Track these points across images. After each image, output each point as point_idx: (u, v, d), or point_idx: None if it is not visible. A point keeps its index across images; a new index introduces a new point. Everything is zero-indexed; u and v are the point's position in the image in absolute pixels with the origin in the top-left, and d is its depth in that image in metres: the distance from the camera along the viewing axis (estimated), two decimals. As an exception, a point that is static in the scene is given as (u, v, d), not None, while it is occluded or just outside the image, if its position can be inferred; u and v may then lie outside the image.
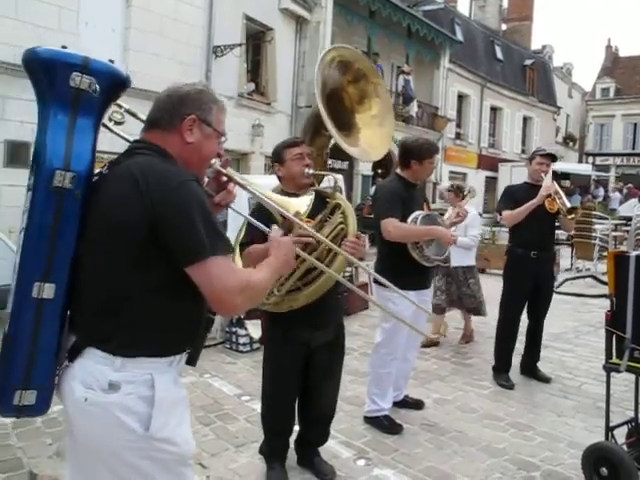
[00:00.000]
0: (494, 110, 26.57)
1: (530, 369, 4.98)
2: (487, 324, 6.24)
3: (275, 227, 1.91)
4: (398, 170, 3.85)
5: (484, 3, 31.91)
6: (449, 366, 5.35)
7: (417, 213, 3.61)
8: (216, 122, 1.74)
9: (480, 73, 24.63)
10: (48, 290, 1.52)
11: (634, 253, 3.20)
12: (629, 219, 13.64)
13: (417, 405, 4.21)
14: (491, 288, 6.53)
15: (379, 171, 17.72)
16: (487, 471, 3.33)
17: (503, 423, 4.03)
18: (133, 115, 1.88)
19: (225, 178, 1.84)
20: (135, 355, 1.55)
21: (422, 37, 19.54)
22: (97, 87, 1.59)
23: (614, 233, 13.41)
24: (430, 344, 5.79)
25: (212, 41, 12.57)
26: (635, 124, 35.64)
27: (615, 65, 39.40)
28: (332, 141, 2.92)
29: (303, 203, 2.07)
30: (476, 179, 24.91)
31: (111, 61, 1.69)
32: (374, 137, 2.63)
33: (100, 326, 1.56)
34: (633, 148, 35.46)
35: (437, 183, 17.89)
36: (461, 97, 24.01)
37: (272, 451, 3.16)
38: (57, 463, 3.25)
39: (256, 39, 14.73)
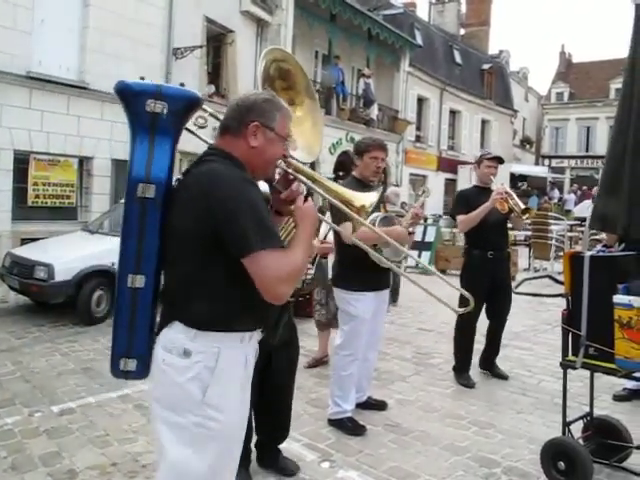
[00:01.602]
0: (453, 113, 27.00)
1: (489, 365, 5.09)
2: (449, 324, 6.31)
3: (301, 196, 1.96)
4: (354, 172, 3.88)
5: (443, 8, 32.45)
6: (411, 367, 5.41)
7: (375, 215, 3.63)
8: (279, 128, 1.93)
9: (439, 77, 25.00)
10: (139, 280, 1.85)
11: (588, 253, 3.30)
12: (584, 220, 14.06)
13: (380, 406, 4.24)
14: (451, 289, 6.62)
15: (340, 173, 17.78)
16: (450, 469, 3.38)
17: (465, 421, 4.09)
18: (216, 118, 2.10)
19: (291, 177, 2.02)
20: (206, 329, 1.80)
21: (382, 41, 19.72)
22: (167, 109, 1.86)
23: (569, 234, 13.80)
24: (316, 364, 5.28)
25: (172, 42, 12.42)
26: (588, 127, 36.78)
27: (569, 70, 40.62)
28: None
29: (369, 198, 2.17)
30: (436, 181, 25.25)
31: (182, 84, 2.00)
32: (309, 137, 2.63)
33: (181, 304, 1.84)
34: (587, 151, 36.57)
35: (398, 185, 18.06)
36: (421, 100, 24.33)
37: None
38: (12, 476, 3.15)
39: (217, 41, 14.63)
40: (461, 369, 4.94)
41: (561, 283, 3.43)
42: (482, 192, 4.78)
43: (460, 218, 4.80)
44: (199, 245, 1.80)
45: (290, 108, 2.64)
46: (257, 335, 1.96)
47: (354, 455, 3.52)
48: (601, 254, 3.30)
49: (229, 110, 1.95)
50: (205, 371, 1.79)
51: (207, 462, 1.81)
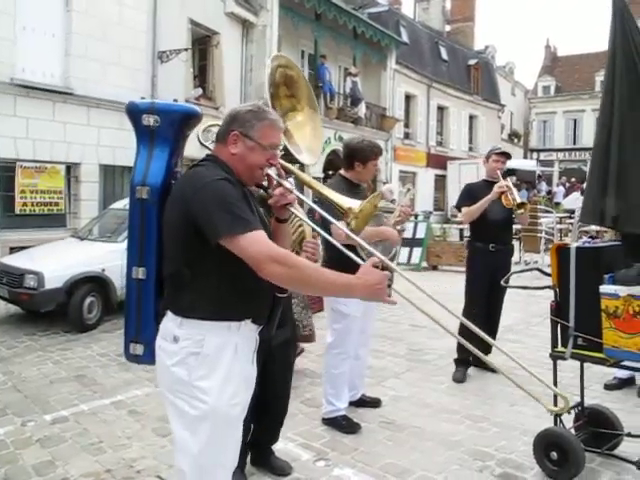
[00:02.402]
0: (441, 109, 27.09)
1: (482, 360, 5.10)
2: (441, 320, 6.33)
3: (372, 258, 1.88)
4: (342, 171, 3.89)
5: (427, 5, 32.54)
6: (404, 363, 5.43)
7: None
8: (259, 136, 2.03)
9: (426, 73, 25.08)
10: (142, 272, 2.06)
11: (574, 245, 3.33)
12: (572, 212, 14.16)
13: (374, 403, 4.25)
14: (443, 284, 6.66)
15: (330, 172, 17.81)
16: (445, 464, 3.39)
17: (459, 416, 4.11)
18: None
19: (275, 183, 2.12)
20: (190, 317, 1.94)
21: (368, 39, 19.76)
22: (160, 122, 2.10)
23: (559, 226, 13.88)
24: None
25: (157, 46, 12.39)
26: (575, 120, 37.00)
27: (554, 64, 40.83)
28: None
29: (356, 202, 2.23)
30: (425, 177, 25.36)
31: (175, 100, 2.24)
32: (310, 140, 2.68)
33: (171, 294, 2.01)
34: (574, 143, 36.79)
35: (387, 182, 18.10)
36: (408, 97, 24.40)
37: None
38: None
39: (202, 44, 14.60)
40: (461, 362, 4.96)
41: (549, 275, 3.45)
42: (488, 186, 4.87)
43: (464, 210, 4.93)
44: (182, 238, 1.94)
45: (291, 113, 2.68)
46: (250, 326, 2.05)
47: (349, 453, 3.53)
48: (587, 245, 3.32)
49: (222, 121, 2.13)
50: (191, 356, 1.93)
51: (200, 442, 1.94)
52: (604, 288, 3.04)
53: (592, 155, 3.40)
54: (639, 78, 3.10)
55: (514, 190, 4.77)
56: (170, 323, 1.99)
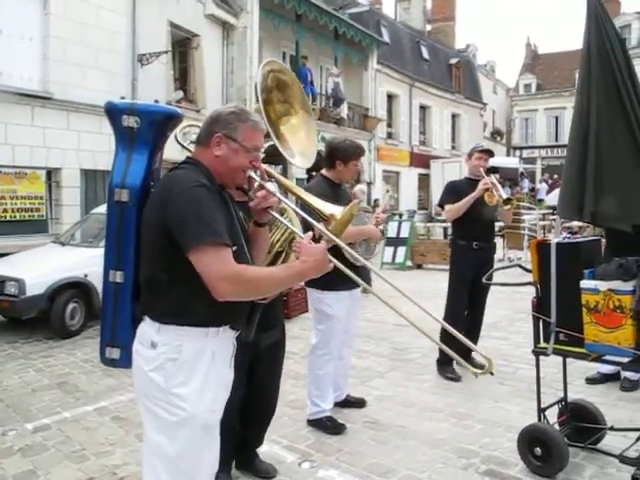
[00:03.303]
0: (423, 108, 27.20)
1: (467, 357, 5.11)
2: (424, 318, 6.35)
3: (308, 234, 2.02)
4: (323, 171, 3.88)
5: (408, 5, 32.62)
6: (388, 363, 5.43)
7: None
8: (243, 139, 2.02)
9: (408, 73, 25.15)
10: (119, 276, 2.02)
11: (554, 241, 3.34)
12: (555, 208, 14.26)
13: (359, 403, 4.25)
14: (427, 282, 6.67)
15: (313, 173, 17.78)
16: (429, 462, 3.39)
17: (443, 414, 4.12)
18: None
19: (257, 185, 2.12)
20: (168, 323, 1.92)
21: (349, 39, 19.78)
22: (140, 123, 2.06)
23: (542, 222, 13.99)
24: None
25: (137, 49, 12.29)
26: (557, 117, 37.34)
27: (535, 62, 41.20)
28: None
29: (338, 209, 2.20)
30: (409, 177, 25.45)
31: (156, 101, 2.21)
32: (304, 144, 2.67)
33: (147, 299, 1.98)
34: (556, 140, 37.11)
35: (371, 182, 18.13)
36: (390, 97, 24.46)
37: (219, 460, 3.12)
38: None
39: (182, 46, 14.51)
40: (446, 362, 4.96)
41: (530, 271, 3.46)
42: (471, 184, 4.86)
43: (447, 207, 4.91)
44: (158, 243, 1.92)
45: (285, 118, 2.68)
46: (228, 331, 2.03)
47: (334, 454, 3.51)
48: (567, 241, 3.33)
49: (203, 123, 2.11)
50: (169, 362, 1.92)
51: (177, 448, 1.93)
52: (584, 283, 3.05)
53: (568, 151, 3.42)
54: (614, 75, 3.13)
55: (499, 186, 4.77)
56: (148, 328, 1.96)
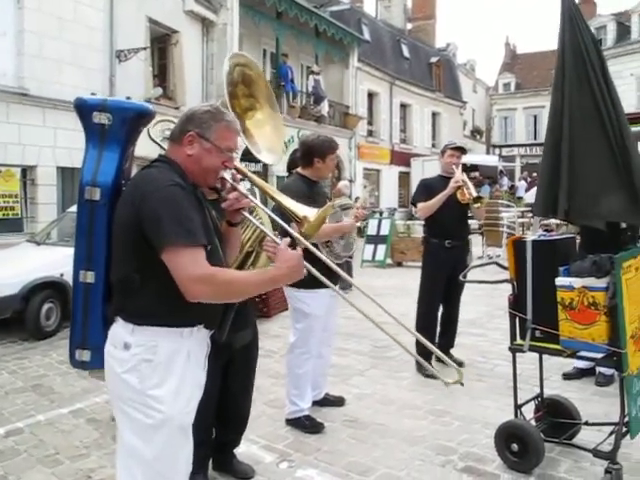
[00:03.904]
0: (404, 107, 27.30)
1: (444, 355, 5.13)
2: (406, 316, 6.37)
3: (285, 239, 1.99)
4: (299, 169, 3.86)
5: (389, 3, 32.69)
6: (368, 361, 5.43)
7: (324, 210, 3.62)
8: (216, 138, 1.99)
9: (388, 71, 25.23)
10: (90, 276, 1.99)
11: (530, 238, 3.36)
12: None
13: (338, 402, 4.24)
14: (407, 280, 6.69)
15: (294, 171, 17.77)
16: (407, 460, 3.40)
17: (422, 411, 4.13)
18: None
19: (229, 186, 2.11)
20: (142, 324, 1.89)
21: (330, 37, 19.77)
22: (112, 120, 2.02)
23: (520, 220, 14.12)
24: None
25: (115, 45, 12.15)
26: (535, 116, 37.71)
27: (514, 61, 41.59)
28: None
29: (312, 211, 2.19)
30: (389, 175, 25.53)
31: (128, 98, 2.15)
32: (271, 139, 2.65)
33: (120, 300, 1.94)
34: (535, 138, 37.48)
35: (352, 180, 18.15)
36: (371, 95, 24.51)
37: (196, 462, 3.08)
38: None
39: (161, 42, 14.38)
40: (424, 359, 4.96)
41: (507, 269, 3.48)
42: (444, 181, 4.88)
43: (419, 205, 4.91)
44: (131, 242, 1.89)
45: (250, 112, 2.65)
46: (202, 331, 2.02)
47: (312, 453, 3.50)
48: (542, 238, 3.35)
49: (177, 121, 2.09)
50: (143, 363, 1.89)
51: (154, 451, 1.91)
52: (559, 280, 3.08)
53: (544, 150, 3.45)
54: (587, 74, 3.16)
55: (470, 184, 4.79)
56: (121, 329, 1.93)
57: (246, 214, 2.19)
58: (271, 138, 2.62)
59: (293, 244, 2.00)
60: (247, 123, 2.50)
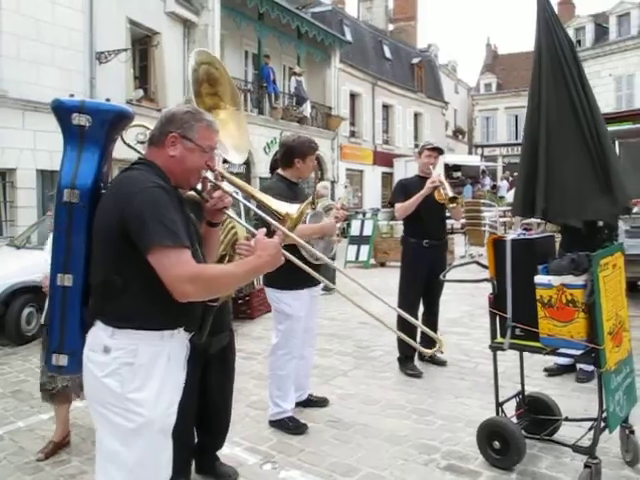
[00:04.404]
0: (386, 107, 27.40)
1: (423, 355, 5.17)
2: (388, 315, 6.38)
3: (262, 230, 2.03)
4: (280, 170, 3.86)
5: (371, 4, 32.83)
6: (352, 361, 5.44)
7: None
8: (198, 138, 2.01)
9: (370, 72, 25.31)
10: (68, 279, 1.96)
11: (509, 237, 3.39)
12: (515, 205, 14.51)
13: (321, 403, 4.24)
14: (390, 280, 6.69)
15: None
16: (391, 459, 3.41)
17: (405, 411, 4.15)
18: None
19: (212, 185, 2.12)
20: (122, 327, 1.88)
21: (312, 38, 19.78)
22: (91, 122, 2.01)
23: (502, 219, 14.24)
24: (54, 450, 3.61)
25: (95, 46, 12.04)
26: (516, 116, 38.04)
27: (495, 62, 41.94)
28: None
29: (293, 207, 2.20)
30: (373, 175, 25.61)
31: (107, 100, 2.14)
32: (236, 138, 2.64)
33: (100, 303, 1.93)
34: (516, 138, 37.80)
35: (335, 181, 18.17)
36: (353, 96, 24.57)
37: (177, 466, 3.07)
38: None
39: (142, 44, 14.28)
40: (406, 359, 5.00)
41: (487, 268, 3.51)
42: (422, 181, 4.90)
43: (397, 206, 4.94)
44: (112, 244, 1.88)
45: (213, 112, 2.64)
46: (182, 333, 2.02)
47: (296, 454, 3.50)
48: (521, 237, 3.38)
49: (156, 123, 2.08)
50: (124, 367, 1.88)
51: (135, 456, 1.89)
52: (538, 278, 3.10)
53: (522, 150, 3.49)
54: (563, 74, 3.21)
55: (447, 184, 4.83)
56: (100, 333, 1.91)
57: (229, 213, 2.19)
58: (236, 136, 2.61)
59: (269, 234, 2.02)
60: None
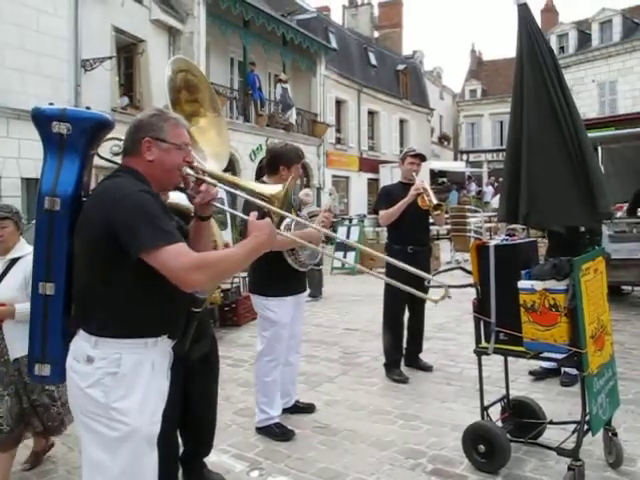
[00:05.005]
0: (371, 114, 27.53)
1: (414, 360, 5.20)
2: (374, 321, 6.43)
3: (253, 213, 2.04)
4: (265, 178, 3.88)
5: (356, 12, 33.03)
6: (338, 367, 5.45)
7: (288, 220, 3.63)
8: (171, 137, 2.02)
9: (356, 79, 25.44)
10: (49, 288, 1.96)
11: (492, 243, 3.44)
12: (500, 211, 14.64)
13: (308, 409, 4.24)
14: (375, 286, 6.73)
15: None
16: (377, 465, 3.42)
17: (391, 416, 4.17)
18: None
19: (196, 180, 2.12)
20: (105, 335, 1.88)
21: (297, 45, 19.87)
22: (72, 130, 2.01)
23: (487, 225, 14.35)
24: None
25: (80, 54, 12.01)
26: (501, 122, 38.34)
27: (480, 68, 42.31)
28: None
29: (276, 188, 2.21)
30: (358, 182, 25.69)
31: (88, 108, 2.15)
32: (216, 145, 2.65)
33: (82, 312, 1.94)
34: (501, 144, 38.05)
35: (321, 188, 18.21)
36: (339, 103, 24.67)
37: (163, 474, 3.06)
38: None
39: (128, 52, 14.27)
40: (392, 365, 5.02)
41: (471, 273, 3.55)
42: (405, 188, 4.93)
43: (381, 213, 4.96)
44: (96, 252, 1.88)
45: (193, 119, 2.65)
46: (165, 341, 2.03)
47: (283, 461, 3.50)
48: (504, 243, 3.43)
49: (126, 134, 2.09)
50: (107, 377, 1.87)
51: (121, 464, 1.89)
52: (521, 283, 3.15)
53: (505, 156, 3.54)
54: (544, 79, 3.26)
55: (430, 191, 4.86)
56: (83, 343, 1.91)
57: (219, 204, 2.21)
58: (216, 143, 2.62)
59: (263, 214, 2.05)
60: (191, 130, 2.50)
